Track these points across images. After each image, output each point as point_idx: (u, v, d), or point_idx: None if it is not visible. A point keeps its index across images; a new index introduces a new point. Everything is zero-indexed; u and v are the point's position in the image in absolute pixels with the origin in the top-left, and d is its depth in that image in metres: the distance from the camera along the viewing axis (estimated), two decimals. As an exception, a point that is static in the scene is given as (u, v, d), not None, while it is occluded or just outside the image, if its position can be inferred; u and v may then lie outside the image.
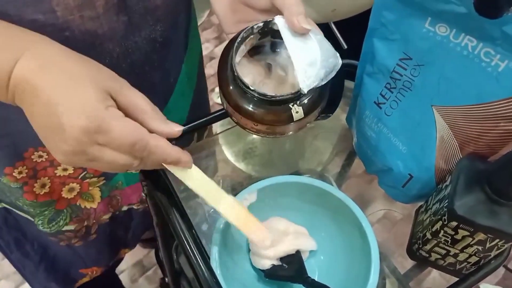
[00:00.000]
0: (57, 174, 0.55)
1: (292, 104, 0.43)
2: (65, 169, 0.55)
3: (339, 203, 0.47)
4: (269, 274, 0.47)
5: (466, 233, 0.40)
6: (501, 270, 1.22)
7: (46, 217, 0.59)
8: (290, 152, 0.80)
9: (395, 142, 0.48)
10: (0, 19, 0.34)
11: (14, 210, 0.60)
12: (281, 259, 0.48)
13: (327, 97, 0.46)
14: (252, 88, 0.39)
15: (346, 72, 0.58)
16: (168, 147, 0.35)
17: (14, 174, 0.52)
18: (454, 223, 0.39)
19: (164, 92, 0.58)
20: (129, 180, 0.64)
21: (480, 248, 0.41)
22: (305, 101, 0.43)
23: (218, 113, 0.52)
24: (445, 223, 0.40)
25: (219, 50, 1.57)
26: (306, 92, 0.39)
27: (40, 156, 0.52)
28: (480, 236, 0.39)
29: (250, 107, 0.41)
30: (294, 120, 0.42)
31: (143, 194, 0.48)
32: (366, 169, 0.54)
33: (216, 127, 1.24)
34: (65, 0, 0.38)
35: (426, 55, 0.42)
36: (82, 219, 0.63)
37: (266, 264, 0.47)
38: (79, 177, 0.57)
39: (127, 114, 0.34)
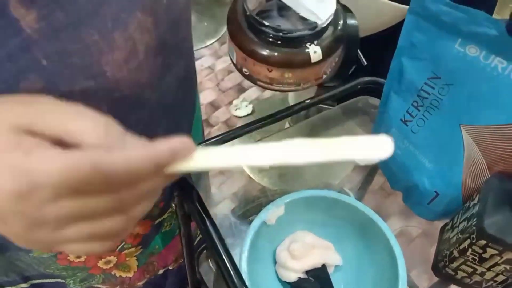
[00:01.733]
0: None
1: (309, 43, 0.39)
2: None
3: (366, 218, 0.47)
4: (296, 287, 0.48)
5: (495, 251, 0.40)
6: None
7: (78, 278, 0.57)
8: (307, 165, 0.80)
9: (422, 159, 0.48)
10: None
11: (43, 281, 0.56)
12: (307, 272, 0.48)
13: (344, 44, 0.42)
14: (267, 23, 0.36)
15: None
16: (145, 150, 0.24)
17: None
18: (483, 242, 0.40)
19: (188, 122, 0.56)
20: (165, 241, 0.62)
21: (508, 267, 0.41)
22: (323, 41, 0.40)
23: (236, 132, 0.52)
24: (474, 241, 0.40)
25: (237, 63, 1.60)
26: (323, 21, 0.36)
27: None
28: (509, 255, 0.40)
29: (265, 51, 0.36)
30: (312, 61, 0.38)
31: (171, 206, 0.49)
32: (390, 185, 0.55)
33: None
34: (114, 55, 0.33)
35: (456, 74, 0.43)
36: (115, 284, 0.62)
37: (292, 277, 0.48)
38: (117, 250, 0.55)
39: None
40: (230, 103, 1.51)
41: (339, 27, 0.42)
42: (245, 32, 0.38)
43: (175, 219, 0.61)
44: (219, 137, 0.51)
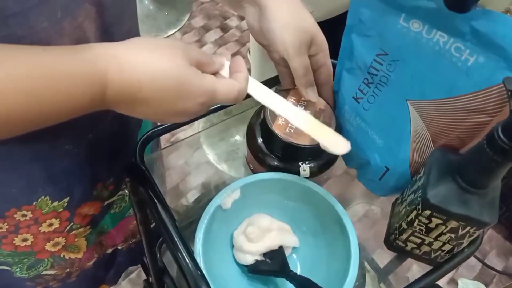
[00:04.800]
0: (41, 231, 0.52)
1: (302, 162, 0.49)
2: (50, 225, 0.52)
3: (321, 199, 0.48)
4: (253, 269, 0.48)
5: (439, 221, 0.41)
6: (478, 266, 1.26)
7: (25, 265, 0.56)
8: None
9: (372, 135, 0.49)
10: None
11: None
12: (264, 254, 0.49)
13: (333, 164, 0.52)
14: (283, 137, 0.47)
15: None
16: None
17: None
18: (428, 212, 0.41)
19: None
20: (114, 221, 0.63)
21: (453, 236, 0.43)
22: (313, 164, 0.50)
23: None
24: (419, 212, 0.42)
25: (199, 53, 1.58)
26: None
27: (24, 215, 0.49)
28: (453, 223, 0.41)
29: (272, 162, 0.50)
30: (300, 176, 0.49)
31: (122, 190, 0.48)
32: (345, 163, 0.56)
33: (198, 128, 1.24)
34: (62, 41, 0.38)
35: (401, 50, 0.44)
36: (65, 267, 0.61)
37: (249, 259, 0.48)
38: (65, 231, 0.55)
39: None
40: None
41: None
42: (261, 146, 0.51)
43: (125, 203, 0.61)
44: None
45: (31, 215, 0.49)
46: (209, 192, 0.83)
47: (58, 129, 0.34)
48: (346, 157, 0.54)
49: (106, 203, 0.57)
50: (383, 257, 0.70)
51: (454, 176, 0.40)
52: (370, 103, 0.49)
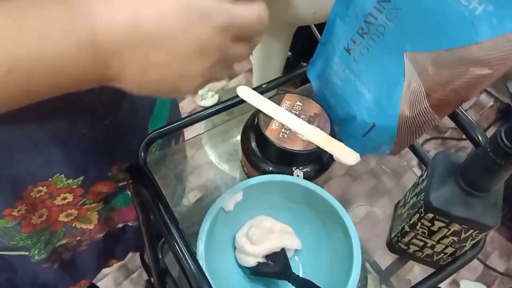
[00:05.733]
0: (55, 204, 0.54)
1: (295, 167, 0.49)
2: (64, 199, 0.54)
3: (323, 201, 0.48)
4: (255, 271, 0.48)
5: (442, 224, 0.41)
6: (480, 267, 1.25)
7: (42, 243, 0.58)
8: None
9: (361, 89, 0.48)
10: None
11: (6, 253, 0.58)
12: (266, 256, 0.49)
13: (327, 169, 0.52)
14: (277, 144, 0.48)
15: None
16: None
17: (13, 213, 0.51)
18: (431, 215, 0.41)
19: (150, 104, 0.59)
20: (126, 200, 0.64)
21: (455, 239, 0.43)
22: (308, 168, 0.49)
23: (201, 113, 0.53)
24: (422, 215, 0.42)
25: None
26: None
27: (39, 191, 0.50)
28: (455, 227, 0.41)
29: (266, 166, 0.49)
30: None
31: (128, 192, 0.49)
32: (329, 119, 0.54)
33: (200, 129, 1.24)
34: None
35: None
36: (76, 235, 0.63)
37: (251, 261, 0.48)
38: (78, 204, 0.56)
39: None
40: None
41: (326, 157, 0.51)
42: (255, 151, 0.51)
43: None
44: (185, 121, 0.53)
45: (46, 190, 0.50)
46: (210, 193, 0.83)
47: (76, 115, 0.33)
48: (331, 111, 0.52)
49: (120, 184, 0.58)
50: (385, 259, 0.70)
51: (457, 179, 0.40)
52: (362, 54, 0.47)
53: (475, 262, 1.23)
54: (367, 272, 0.67)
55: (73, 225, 0.60)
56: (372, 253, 0.69)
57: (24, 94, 0.27)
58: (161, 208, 0.41)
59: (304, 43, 1.14)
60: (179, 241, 0.40)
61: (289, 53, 1.20)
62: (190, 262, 0.39)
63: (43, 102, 0.29)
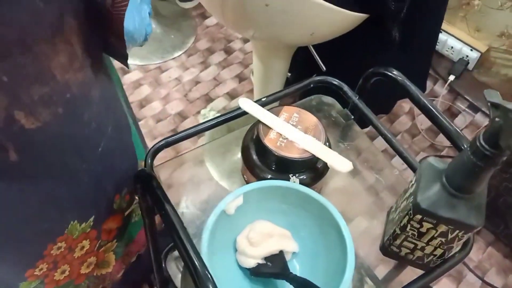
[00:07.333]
0: (76, 257, 0.55)
1: (292, 174, 0.52)
2: (82, 248, 0.55)
3: (319, 206, 0.51)
4: (255, 272, 0.50)
5: (430, 225, 0.44)
6: (478, 283, 1.26)
7: None
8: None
9: None
10: None
11: None
12: (265, 258, 0.51)
13: (323, 176, 0.55)
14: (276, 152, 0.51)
15: (323, 88, 0.64)
16: None
17: (35, 273, 0.52)
18: (419, 216, 0.44)
19: (126, 121, 0.61)
20: (136, 228, 0.66)
21: (443, 240, 0.46)
22: (304, 176, 0.53)
23: (206, 124, 0.57)
24: (411, 217, 0.45)
25: (205, 74, 1.63)
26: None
27: (59, 248, 0.52)
28: (442, 227, 0.44)
29: (265, 174, 0.53)
30: None
31: (136, 197, 0.52)
32: None
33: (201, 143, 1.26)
34: (59, 59, 0.38)
35: None
36: (98, 283, 0.65)
37: (251, 263, 0.51)
38: (95, 249, 0.58)
39: None
40: (198, 113, 1.54)
41: (321, 165, 0.55)
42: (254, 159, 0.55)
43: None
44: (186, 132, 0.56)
45: (65, 245, 0.52)
46: (210, 208, 0.87)
47: (72, 150, 0.35)
48: None
49: (126, 213, 0.60)
50: (381, 270, 0.72)
51: (442, 182, 0.43)
52: None
53: (473, 278, 1.24)
54: (364, 283, 0.69)
55: (95, 274, 0.62)
56: (372, 267, 0.71)
57: None
58: (168, 208, 0.44)
59: (303, 64, 1.18)
60: (186, 241, 0.42)
61: (288, 74, 1.24)
62: (195, 261, 0.41)
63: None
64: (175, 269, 0.89)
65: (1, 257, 0.48)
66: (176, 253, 0.98)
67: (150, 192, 0.47)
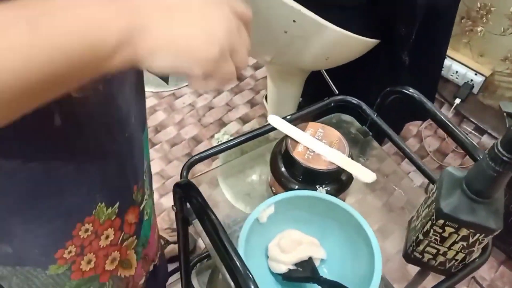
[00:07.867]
0: (101, 246, 0.58)
1: (319, 185, 0.56)
2: (107, 237, 0.58)
3: (346, 214, 0.54)
4: (287, 277, 0.53)
5: (452, 229, 0.48)
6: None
7: None
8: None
9: None
10: None
11: None
12: (296, 264, 0.54)
13: (347, 187, 0.59)
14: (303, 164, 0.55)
15: (340, 107, 0.69)
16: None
17: (64, 255, 0.54)
18: (442, 221, 0.47)
19: (141, 119, 0.64)
20: (147, 230, 0.69)
21: (464, 244, 0.49)
22: (329, 187, 0.56)
23: (236, 140, 0.61)
24: (434, 222, 0.48)
25: (218, 100, 1.69)
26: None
27: (86, 230, 0.54)
28: (464, 231, 0.47)
29: (292, 185, 0.56)
30: None
31: (173, 208, 0.55)
32: None
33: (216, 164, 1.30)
34: None
35: None
36: (122, 287, 0.68)
37: (282, 268, 0.54)
38: (119, 243, 0.61)
39: None
40: (212, 137, 1.58)
41: (345, 177, 0.58)
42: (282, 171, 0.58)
43: (149, 208, 0.69)
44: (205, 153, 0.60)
45: (92, 228, 0.55)
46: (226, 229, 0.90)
47: (104, 130, 0.40)
48: None
49: (141, 207, 0.64)
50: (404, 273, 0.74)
51: (462, 188, 0.47)
52: None
53: (486, 297, 1.25)
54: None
55: (118, 274, 0.64)
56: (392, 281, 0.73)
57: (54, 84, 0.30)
58: (209, 213, 0.47)
59: (314, 89, 1.24)
60: (226, 244, 0.45)
61: (300, 99, 1.29)
62: (237, 263, 0.44)
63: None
64: (196, 285, 0.92)
65: (35, 230, 0.50)
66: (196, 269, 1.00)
67: (190, 200, 0.50)
